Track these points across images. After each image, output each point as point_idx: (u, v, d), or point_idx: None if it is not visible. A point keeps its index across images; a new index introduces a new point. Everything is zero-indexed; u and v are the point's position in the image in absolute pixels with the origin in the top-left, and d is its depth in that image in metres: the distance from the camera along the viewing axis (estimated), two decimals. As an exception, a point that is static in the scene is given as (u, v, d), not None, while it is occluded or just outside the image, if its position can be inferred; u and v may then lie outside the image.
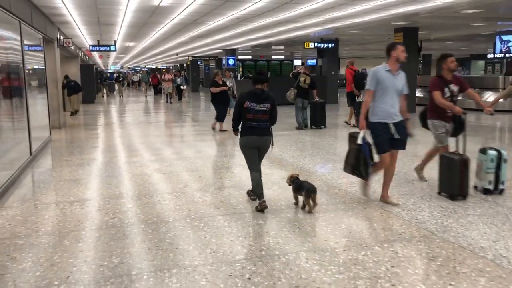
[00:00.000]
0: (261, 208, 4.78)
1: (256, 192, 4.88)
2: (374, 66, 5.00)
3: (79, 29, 14.65)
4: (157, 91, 28.31)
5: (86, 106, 21.25)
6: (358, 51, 32.45)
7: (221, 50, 28.22)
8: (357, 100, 11.44)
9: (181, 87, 22.52)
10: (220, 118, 11.24)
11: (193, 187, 6.03)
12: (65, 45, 13.22)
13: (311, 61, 43.39)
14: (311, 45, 19.06)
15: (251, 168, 4.91)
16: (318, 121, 11.60)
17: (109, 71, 55.87)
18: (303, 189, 4.80)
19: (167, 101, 22.50)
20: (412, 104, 16.59)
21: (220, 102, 11.30)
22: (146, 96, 27.73)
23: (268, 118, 4.82)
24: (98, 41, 18.76)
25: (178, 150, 9.06)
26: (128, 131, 12.24)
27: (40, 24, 9.99)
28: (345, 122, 12.51)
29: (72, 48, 18.67)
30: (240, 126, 4.98)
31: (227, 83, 21.77)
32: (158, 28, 15.61)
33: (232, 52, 27.10)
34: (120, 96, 28.44)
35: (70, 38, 13.63)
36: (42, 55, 10.51)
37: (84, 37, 17.56)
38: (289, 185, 5.00)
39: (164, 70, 29.75)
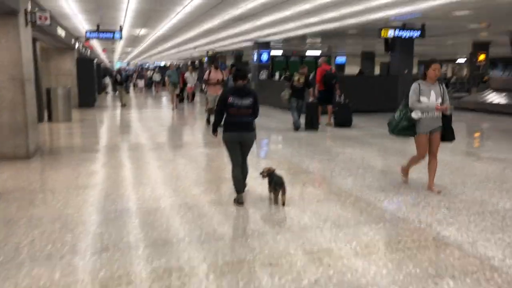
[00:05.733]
0: (239, 202, 4.96)
1: (235, 187, 5.03)
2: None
3: (65, -1, 9.52)
4: (182, 97, 19.06)
5: (83, 112, 16.08)
6: (418, 46, 26.87)
7: (250, 43, 23.03)
8: (337, 100, 11.72)
9: None
10: None
11: None
12: (39, 21, 8.07)
13: (341, 59, 38.39)
14: (390, 33, 13.81)
15: (234, 163, 5.02)
16: (314, 123, 11.00)
17: (114, 68, 50.72)
18: (272, 181, 4.92)
19: (209, 123, 11.92)
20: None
21: None
22: (174, 109, 16.96)
23: (251, 112, 4.92)
24: (98, 25, 13.62)
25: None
26: (142, 171, 7.08)
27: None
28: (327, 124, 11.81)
29: (63, 35, 13.55)
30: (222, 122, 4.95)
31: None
32: (183, 5, 10.47)
33: (266, 45, 21.88)
34: (122, 105, 18.21)
35: (48, 11, 8.46)
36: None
37: (77, 17, 12.37)
38: (263, 177, 5.03)
39: (188, 66, 21.67)
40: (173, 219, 4.60)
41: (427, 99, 5.25)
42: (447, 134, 5.47)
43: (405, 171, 5.92)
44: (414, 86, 5.35)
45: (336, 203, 5.13)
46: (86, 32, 13.70)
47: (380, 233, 4.20)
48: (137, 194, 5.49)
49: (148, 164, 7.33)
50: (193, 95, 20.44)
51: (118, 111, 16.87)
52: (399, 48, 15.75)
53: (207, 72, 11.54)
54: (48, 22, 8.25)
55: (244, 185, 5.18)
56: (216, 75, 11.40)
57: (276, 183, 4.92)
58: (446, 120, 5.40)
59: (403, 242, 3.98)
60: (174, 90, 17.23)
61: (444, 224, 4.41)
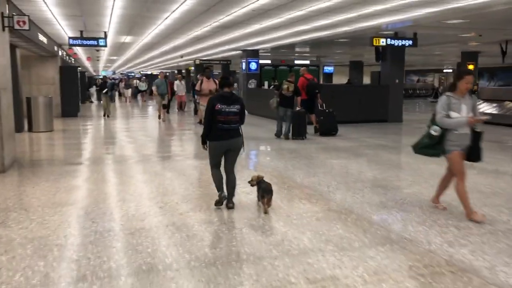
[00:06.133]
0: (219, 200, 5.10)
1: (216, 185, 5.15)
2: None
3: (45, 2, 9.05)
4: (169, 107, 17.32)
5: (65, 122, 15.55)
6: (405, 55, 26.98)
7: (238, 52, 22.72)
8: (319, 108, 11.85)
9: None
10: None
11: None
12: (17, 26, 7.61)
13: (329, 69, 38.35)
14: (382, 41, 13.59)
15: (213, 167, 5.12)
16: (301, 131, 11.00)
17: (99, 77, 49.98)
18: (260, 189, 5.00)
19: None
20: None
21: None
22: (162, 121, 15.60)
23: (238, 119, 4.96)
24: (81, 31, 13.17)
25: None
26: (126, 186, 6.63)
27: None
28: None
29: (45, 42, 13.07)
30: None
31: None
32: (170, 10, 10.09)
33: (255, 54, 21.59)
34: (105, 116, 17.29)
35: (26, 16, 7.98)
36: None
37: (59, 22, 11.92)
38: (252, 185, 5.16)
39: (177, 75, 20.90)
40: (159, 241, 4.17)
41: (458, 114, 4.61)
42: (474, 154, 4.80)
43: (468, 208, 4.78)
44: (443, 99, 4.68)
45: (337, 221, 4.75)
46: (69, 39, 13.22)
47: (388, 256, 3.82)
48: (119, 213, 5.04)
49: (133, 178, 6.87)
50: (184, 104, 19.82)
51: (103, 121, 16.33)
52: (390, 57, 15.55)
53: (199, 82, 10.92)
54: (26, 27, 7.79)
55: (232, 202, 5.16)
56: (208, 85, 10.65)
57: (264, 190, 4.96)
58: (476, 137, 4.75)
59: (415, 268, 3.60)
60: (162, 101, 16.03)
61: (456, 246, 4.05)
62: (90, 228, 4.50)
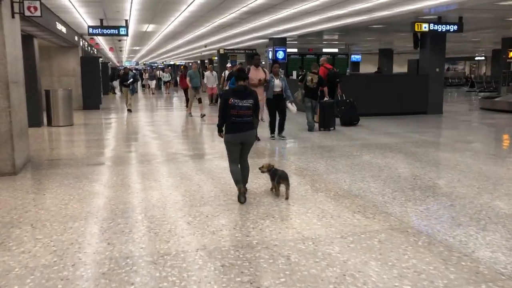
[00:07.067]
0: (241, 193, 5.04)
1: (234, 179, 5.12)
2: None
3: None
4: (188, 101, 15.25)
5: (86, 115, 14.95)
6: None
7: (262, 41, 21.77)
8: (339, 98, 11.67)
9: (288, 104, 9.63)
10: None
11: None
12: (27, 12, 6.85)
13: (356, 57, 36.99)
14: (424, 27, 12.44)
15: (231, 161, 5.16)
16: (327, 123, 10.79)
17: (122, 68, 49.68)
18: (276, 176, 5.12)
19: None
20: None
21: None
22: (190, 115, 14.68)
23: (251, 113, 5.03)
24: (102, 20, 12.45)
25: None
26: (148, 193, 5.86)
27: None
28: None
29: (64, 31, 12.40)
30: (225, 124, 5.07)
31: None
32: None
33: (282, 42, 20.59)
34: (128, 110, 15.89)
35: (37, 0, 7.20)
36: None
37: (77, 10, 11.19)
38: (262, 172, 5.33)
39: (208, 66, 19.65)
40: (188, 274, 3.33)
41: None
42: None
43: None
44: None
45: (406, 246, 3.83)
46: (88, 28, 12.51)
47: (489, 304, 2.88)
48: (140, 231, 4.23)
49: (156, 183, 6.08)
50: (217, 97, 18.41)
51: (125, 114, 15.65)
52: (430, 44, 14.35)
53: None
54: (38, 13, 7.03)
55: (245, 188, 5.23)
56: (257, 74, 8.81)
57: (280, 177, 5.10)
58: None
59: (533, 324, 2.66)
60: (195, 95, 14.23)
61: None
62: (105, 253, 3.70)
